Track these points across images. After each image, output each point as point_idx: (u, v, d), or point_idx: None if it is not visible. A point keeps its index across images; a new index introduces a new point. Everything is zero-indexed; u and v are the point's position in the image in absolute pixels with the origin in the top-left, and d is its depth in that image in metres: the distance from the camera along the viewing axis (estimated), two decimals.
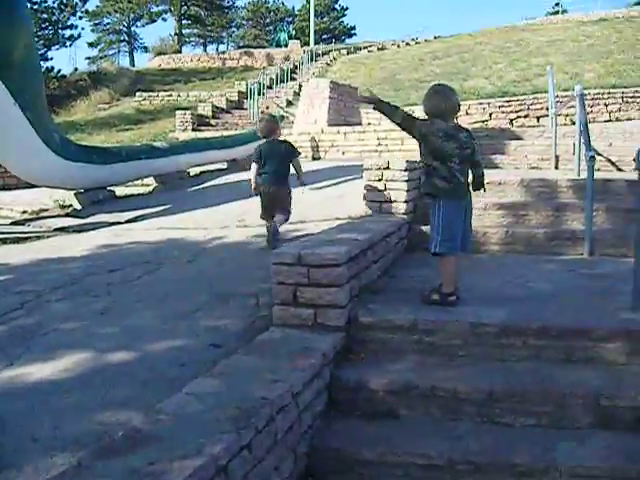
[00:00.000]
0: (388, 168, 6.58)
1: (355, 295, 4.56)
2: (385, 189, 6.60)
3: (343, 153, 14.46)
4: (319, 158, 14.46)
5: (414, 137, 4.76)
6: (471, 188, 4.90)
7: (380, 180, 6.60)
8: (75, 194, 10.71)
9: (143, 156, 11.75)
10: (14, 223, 9.89)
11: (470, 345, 4.18)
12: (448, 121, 4.71)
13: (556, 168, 9.85)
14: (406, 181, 6.52)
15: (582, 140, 7.11)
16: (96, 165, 10.73)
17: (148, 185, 12.62)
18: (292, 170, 7.34)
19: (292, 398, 3.31)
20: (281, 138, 7.53)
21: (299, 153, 7.52)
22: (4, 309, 5.22)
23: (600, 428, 3.65)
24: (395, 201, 6.59)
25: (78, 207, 10.56)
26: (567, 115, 14.16)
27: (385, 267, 5.61)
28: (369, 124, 16.57)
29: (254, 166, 7.06)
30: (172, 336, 4.47)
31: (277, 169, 7.06)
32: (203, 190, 11.66)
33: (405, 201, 6.55)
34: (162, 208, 9.86)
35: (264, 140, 7.25)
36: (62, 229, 8.95)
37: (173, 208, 9.74)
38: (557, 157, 9.98)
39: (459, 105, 4.83)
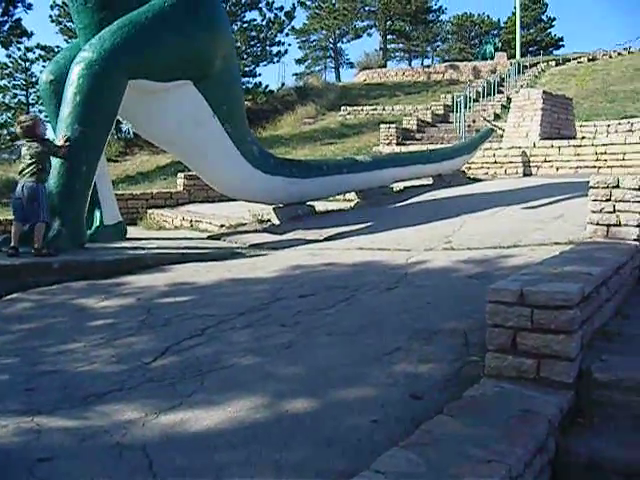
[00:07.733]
0: (618, 186, 5.62)
1: (586, 343, 3.71)
2: (614, 210, 5.64)
3: (557, 169, 13.45)
4: (530, 174, 13.51)
5: None
6: None
7: (608, 200, 5.65)
8: (274, 209, 10.43)
9: (345, 170, 11.23)
10: (210, 237, 9.73)
11: None
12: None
13: None
14: (639, 202, 5.54)
15: None
16: (296, 179, 10.41)
17: (350, 200, 12.17)
18: None
19: None
20: None
21: None
22: (184, 334, 4.84)
23: None
24: (625, 225, 5.60)
25: (276, 222, 10.26)
26: None
27: (617, 305, 4.68)
28: (583, 137, 15.42)
29: None
30: (364, 381, 3.81)
31: None
32: (406, 207, 10.95)
33: (637, 225, 5.56)
34: (363, 225, 9.30)
35: None
36: (256, 246, 8.61)
37: (374, 226, 9.16)
38: None
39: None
